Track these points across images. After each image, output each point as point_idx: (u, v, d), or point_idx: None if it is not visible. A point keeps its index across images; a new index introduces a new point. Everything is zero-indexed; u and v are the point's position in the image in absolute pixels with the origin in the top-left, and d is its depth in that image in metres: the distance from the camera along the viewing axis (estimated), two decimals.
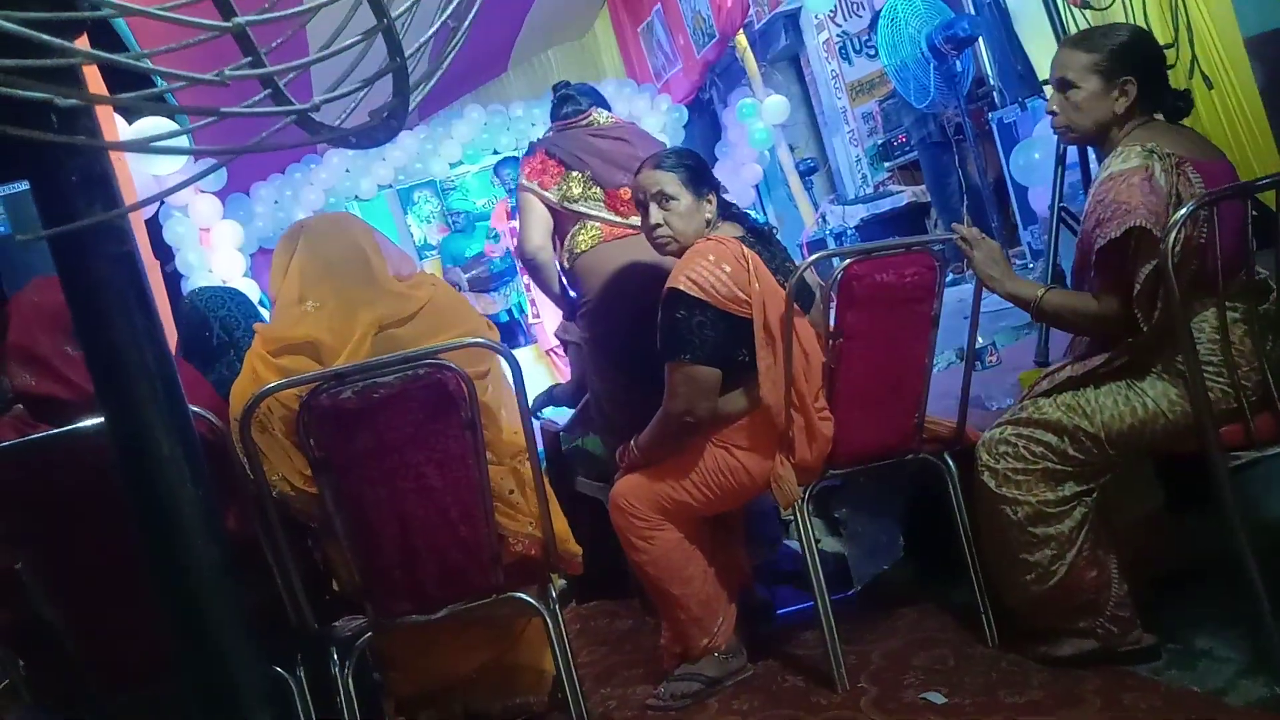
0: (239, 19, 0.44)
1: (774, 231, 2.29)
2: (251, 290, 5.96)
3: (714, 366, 1.99)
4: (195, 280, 5.95)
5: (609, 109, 2.80)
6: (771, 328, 1.97)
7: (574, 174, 2.57)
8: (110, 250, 0.59)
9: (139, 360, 0.59)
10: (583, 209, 2.55)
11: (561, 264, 2.65)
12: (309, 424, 1.60)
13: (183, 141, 0.50)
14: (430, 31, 0.52)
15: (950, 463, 2.13)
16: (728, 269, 1.97)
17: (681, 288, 1.97)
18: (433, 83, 0.53)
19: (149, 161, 4.87)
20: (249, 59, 0.46)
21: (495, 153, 7.64)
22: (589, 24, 8.40)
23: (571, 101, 2.73)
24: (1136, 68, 1.81)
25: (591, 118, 2.69)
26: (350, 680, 1.71)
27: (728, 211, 2.18)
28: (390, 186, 7.47)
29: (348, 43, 0.48)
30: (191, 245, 6.07)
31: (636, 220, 2.29)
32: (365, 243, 1.85)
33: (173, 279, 5.99)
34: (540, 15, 7.14)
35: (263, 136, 0.50)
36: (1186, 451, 1.78)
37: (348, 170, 6.88)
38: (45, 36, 0.41)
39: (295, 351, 1.74)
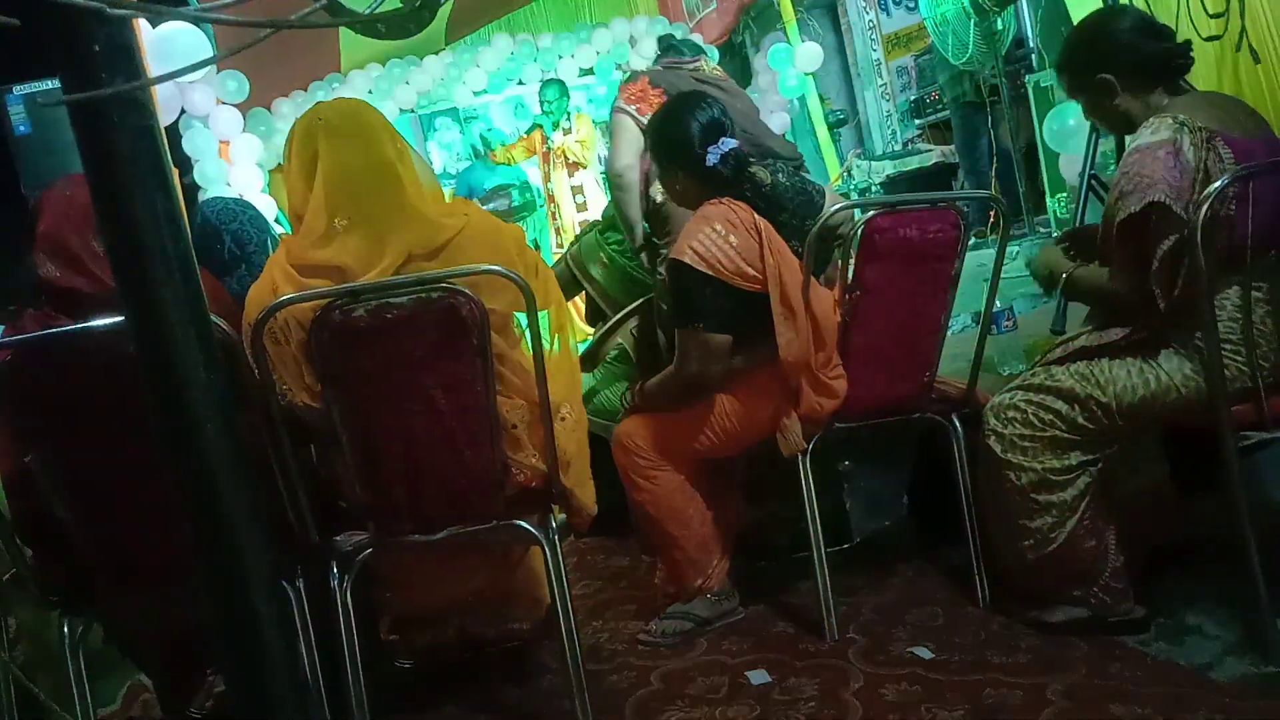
0: None
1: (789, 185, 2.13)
2: (269, 207, 5.93)
3: (726, 333, 1.98)
4: (212, 193, 5.93)
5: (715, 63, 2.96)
6: (792, 302, 1.94)
7: None
8: (132, 123, 0.58)
9: (155, 236, 0.58)
10: None
11: (646, 205, 2.67)
12: (320, 340, 1.59)
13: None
14: None
15: (957, 424, 2.13)
16: (734, 241, 1.92)
17: (687, 261, 1.93)
18: None
19: (174, 67, 4.81)
20: None
21: (520, 83, 7.51)
22: None
23: (676, 50, 2.93)
24: (1104, 64, 1.80)
25: (699, 64, 2.85)
26: (349, 594, 1.74)
27: (729, 184, 2.04)
28: (412, 111, 7.37)
29: None
30: (210, 157, 6.03)
31: None
32: (391, 153, 1.74)
33: (190, 191, 5.96)
34: None
35: (291, 19, 0.49)
36: (1195, 426, 1.77)
37: (370, 91, 6.79)
38: None
39: (321, 275, 1.69)
